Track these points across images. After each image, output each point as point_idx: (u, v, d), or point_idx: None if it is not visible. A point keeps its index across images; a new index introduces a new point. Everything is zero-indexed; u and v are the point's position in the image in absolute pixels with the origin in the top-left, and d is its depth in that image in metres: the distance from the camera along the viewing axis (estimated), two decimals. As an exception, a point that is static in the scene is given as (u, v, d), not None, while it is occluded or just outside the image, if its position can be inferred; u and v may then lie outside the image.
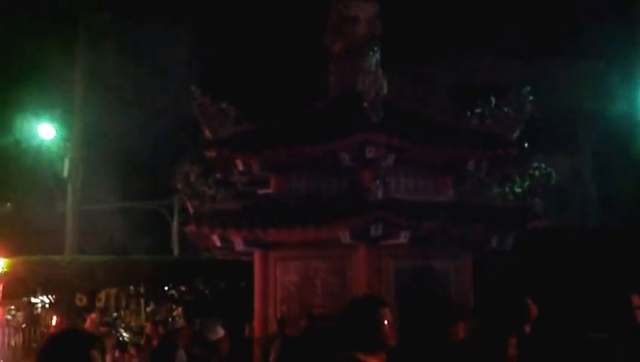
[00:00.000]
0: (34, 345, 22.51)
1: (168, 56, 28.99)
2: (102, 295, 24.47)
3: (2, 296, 20.13)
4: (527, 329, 8.28)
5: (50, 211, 31.53)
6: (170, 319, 20.44)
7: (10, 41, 29.10)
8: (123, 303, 24.34)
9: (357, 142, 16.04)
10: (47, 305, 24.39)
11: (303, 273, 17.00)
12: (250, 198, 17.85)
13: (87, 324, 19.53)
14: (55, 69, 29.01)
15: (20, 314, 23.99)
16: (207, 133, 17.90)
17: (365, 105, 16.02)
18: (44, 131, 29.77)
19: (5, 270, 16.31)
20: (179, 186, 18.59)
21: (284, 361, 15.41)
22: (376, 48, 18.04)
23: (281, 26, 29.64)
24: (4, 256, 17.03)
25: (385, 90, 17.23)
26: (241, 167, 17.57)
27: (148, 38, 28.66)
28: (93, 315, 21.16)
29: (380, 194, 15.41)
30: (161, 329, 17.29)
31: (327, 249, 16.53)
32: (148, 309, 23.94)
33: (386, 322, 5.88)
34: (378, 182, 15.49)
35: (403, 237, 15.53)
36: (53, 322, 20.42)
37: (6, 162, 30.15)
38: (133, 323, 23.73)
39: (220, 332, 9.57)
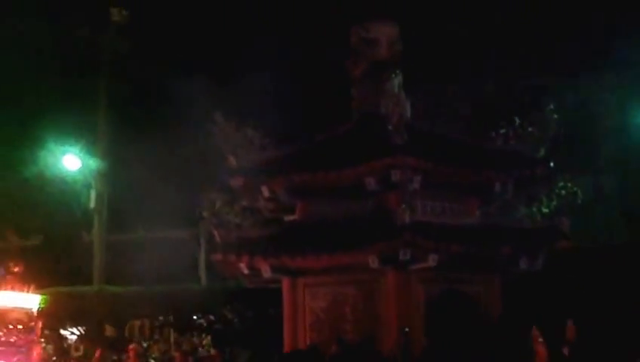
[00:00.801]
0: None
1: (191, 83, 29.13)
2: (131, 325, 24.51)
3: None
4: (566, 351, 8.23)
5: (77, 242, 31.68)
6: (199, 348, 20.47)
7: (35, 73, 29.37)
8: (152, 333, 24.34)
9: (382, 165, 16.05)
10: (76, 337, 24.47)
11: (332, 299, 16.97)
12: (277, 225, 17.90)
13: (130, 355, 19.47)
14: (79, 99, 29.26)
15: (50, 347, 24.04)
16: (232, 161, 17.95)
17: (389, 128, 16.03)
18: (70, 162, 29.88)
19: (43, 306, 16.44)
20: (205, 215, 18.68)
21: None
22: (397, 70, 18.08)
23: (303, 49, 29.72)
24: (38, 291, 17.19)
25: (408, 113, 17.25)
26: (266, 194, 17.61)
27: (171, 67, 28.84)
28: (133, 346, 21.10)
29: (407, 218, 15.38)
30: (190, 359, 17.32)
31: (356, 274, 16.50)
32: (175, 339, 23.91)
33: None
34: (405, 205, 15.46)
35: (431, 261, 15.47)
36: (97, 355, 20.44)
37: (32, 194, 30.32)
38: (159, 353, 23.71)
39: None
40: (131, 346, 21.16)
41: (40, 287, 20.99)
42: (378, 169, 16.15)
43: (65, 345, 24.13)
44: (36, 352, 16.90)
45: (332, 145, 17.79)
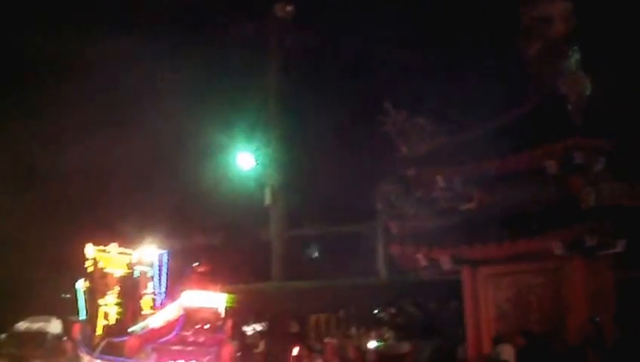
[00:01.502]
0: (250, 375, 22.89)
1: (357, 76, 29.08)
2: (312, 320, 24.67)
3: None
4: None
5: (256, 240, 32.23)
6: (379, 343, 20.31)
7: (208, 73, 30.13)
8: (331, 328, 24.42)
9: (563, 148, 15.44)
10: (256, 333, 24.82)
11: (516, 289, 16.55)
12: (454, 214, 17.55)
13: (328, 352, 19.49)
14: (249, 97, 29.77)
15: (234, 343, 24.49)
16: (405, 151, 17.76)
17: (568, 107, 15.41)
18: (244, 161, 30.45)
19: (230, 305, 16.67)
20: (380, 207, 18.56)
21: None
22: (575, 47, 17.34)
23: (471, 30, 29.12)
24: (223, 289, 17.48)
25: (588, 91, 16.51)
26: (442, 184, 17.34)
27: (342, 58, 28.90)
28: (331, 341, 21.13)
29: (592, 201, 14.75)
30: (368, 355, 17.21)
31: (540, 262, 16.00)
32: (356, 333, 23.87)
33: None
34: (589, 188, 14.83)
35: (620, 246, 14.78)
36: (294, 352, 20.66)
37: (211, 193, 31.08)
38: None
39: None
40: (329, 341, 21.17)
41: (223, 285, 21.43)
42: (559, 151, 15.55)
43: (248, 342, 24.48)
44: (227, 352, 16.97)
45: (508, 130, 17.25)
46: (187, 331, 16.07)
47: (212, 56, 30.36)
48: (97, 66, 30.89)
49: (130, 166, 34.17)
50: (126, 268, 19.12)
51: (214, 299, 16.55)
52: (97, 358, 17.94)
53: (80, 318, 19.84)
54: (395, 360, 14.03)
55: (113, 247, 19.08)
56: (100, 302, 18.74)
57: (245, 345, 23.57)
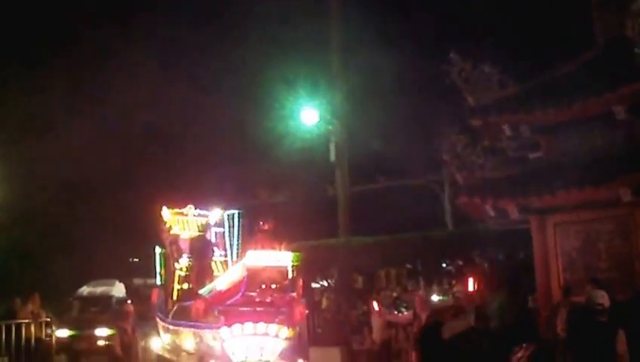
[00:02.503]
0: (318, 330, 23.11)
1: (420, 23, 28.97)
2: (382, 274, 24.88)
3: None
4: None
5: (321, 196, 32.51)
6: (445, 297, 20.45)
7: (270, 27, 30.40)
8: (402, 282, 24.57)
9: (632, 92, 15.34)
10: (325, 290, 25.12)
11: (584, 237, 16.57)
12: (521, 163, 17.60)
13: (417, 303, 19.45)
14: (312, 49, 29.88)
15: (304, 302, 24.70)
16: (471, 101, 17.80)
17: (637, 50, 15.28)
18: (308, 117, 30.62)
19: (296, 263, 16.47)
20: (446, 158, 18.63)
21: (572, 332, 14.95)
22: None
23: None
24: (289, 247, 17.32)
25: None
26: (508, 133, 17.38)
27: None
28: (420, 293, 21.14)
29: (661, 147, 14.69)
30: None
31: (608, 209, 16.02)
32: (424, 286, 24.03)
33: None
34: (659, 133, 14.77)
35: (690, 191, 14.71)
36: (375, 307, 20.65)
37: (276, 150, 31.36)
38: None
39: None
40: (417, 292, 21.24)
41: (289, 243, 21.68)
42: (628, 96, 15.46)
43: (316, 299, 24.72)
44: (298, 311, 16.54)
45: (575, 76, 17.16)
46: (253, 291, 15.88)
47: (274, 9, 30.53)
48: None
49: (199, 127, 34.75)
50: (200, 230, 19.38)
51: (279, 258, 16.30)
52: (170, 324, 18.16)
53: (157, 283, 20.23)
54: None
55: (189, 209, 19.32)
56: (176, 266, 18.97)
57: (314, 302, 23.76)
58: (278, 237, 17.31)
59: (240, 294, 16.04)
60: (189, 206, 19.30)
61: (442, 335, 10.60)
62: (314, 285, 25.83)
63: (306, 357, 18.47)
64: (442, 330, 10.59)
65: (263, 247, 16.60)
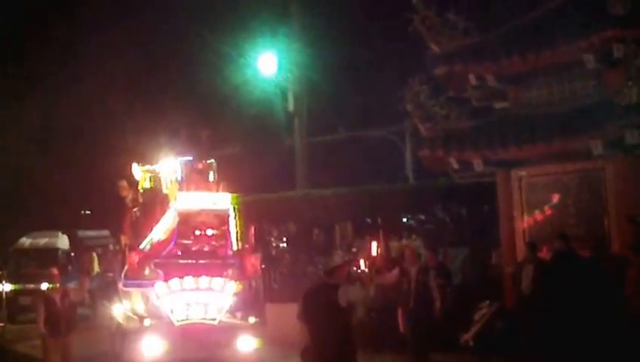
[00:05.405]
0: (274, 286, 22.79)
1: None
2: (337, 229, 24.55)
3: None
4: None
5: (279, 147, 32.12)
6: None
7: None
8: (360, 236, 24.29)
9: (602, 40, 15.01)
10: (284, 244, 24.77)
11: (552, 191, 16.32)
12: (487, 114, 17.30)
13: (407, 255, 18.36)
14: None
15: (258, 255, 24.36)
16: (435, 49, 17.46)
17: (608, -3, 14.96)
18: (265, 66, 30.10)
19: (236, 205, 15.24)
20: (408, 109, 18.31)
21: (538, 289, 14.78)
22: None
23: None
24: (229, 189, 15.79)
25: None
26: (474, 82, 17.11)
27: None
28: (411, 244, 20.29)
29: (634, 97, 14.40)
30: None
31: (578, 162, 15.78)
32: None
33: None
34: (630, 83, 14.48)
35: (662, 145, 14.50)
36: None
37: (230, 101, 30.91)
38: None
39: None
40: (408, 244, 20.58)
41: (245, 195, 21.18)
42: (598, 44, 15.12)
43: (273, 253, 24.38)
44: (250, 264, 15.65)
45: (542, 23, 16.75)
46: (187, 239, 14.80)
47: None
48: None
49: (155, 78, 34.22)
50: (152, 183, 17.75)
51: (216, 200, 15.17)
52: (124, 286, 16.51)
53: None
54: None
55: (136, 167, 17.71)
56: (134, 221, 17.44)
57: (270, 256, 23.40)
58: (229, 187, 16.30)
59: (172, 243, 14.96)
60: (161, 160, 17.50)
61: None
62: (270, 239, 25.41)
63: (261, 314, 17.37)
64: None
65: (197, 189, 15.56)
